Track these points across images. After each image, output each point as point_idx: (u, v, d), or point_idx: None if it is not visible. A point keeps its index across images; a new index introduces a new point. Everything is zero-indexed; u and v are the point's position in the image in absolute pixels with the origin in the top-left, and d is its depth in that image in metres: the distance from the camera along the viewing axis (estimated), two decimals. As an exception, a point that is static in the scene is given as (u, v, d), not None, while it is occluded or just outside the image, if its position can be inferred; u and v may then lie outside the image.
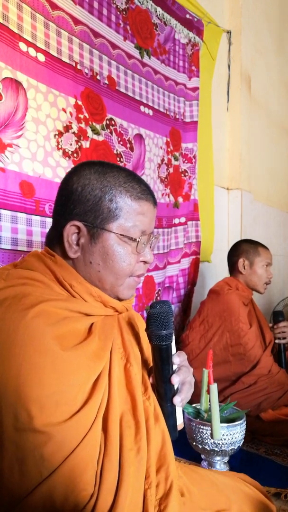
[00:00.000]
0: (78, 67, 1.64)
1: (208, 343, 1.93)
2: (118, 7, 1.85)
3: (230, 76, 2.85)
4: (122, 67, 1.87)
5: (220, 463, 1.41)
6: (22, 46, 1.41)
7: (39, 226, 1.47)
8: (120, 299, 0.88)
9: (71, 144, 1.60)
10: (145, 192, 0.86)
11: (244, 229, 2.86)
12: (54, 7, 1.54)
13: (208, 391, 1.30)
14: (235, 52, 2.83)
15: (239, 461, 1.57)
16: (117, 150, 1.83)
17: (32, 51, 1.44)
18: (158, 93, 2.10)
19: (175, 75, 2.22)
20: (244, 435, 1.39)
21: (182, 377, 0.85)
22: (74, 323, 0.77)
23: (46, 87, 1.50)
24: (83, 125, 1.65)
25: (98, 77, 1.74)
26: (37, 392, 0.67)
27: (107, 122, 1.78)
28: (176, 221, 2.29)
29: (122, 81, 1.87)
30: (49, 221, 1.50)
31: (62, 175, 1.55)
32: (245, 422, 1.40)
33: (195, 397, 1.26)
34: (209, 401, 1.32)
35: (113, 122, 1.81)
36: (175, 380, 0.83)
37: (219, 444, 1.34)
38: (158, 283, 2.13)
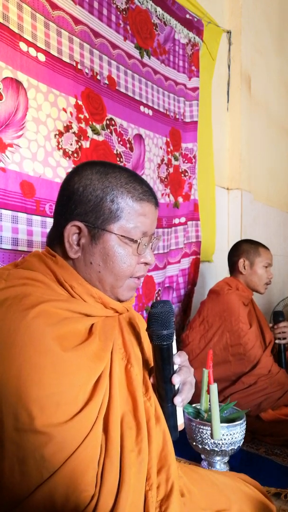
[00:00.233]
0: (79, 67, 1.64)
1: (208, 343, 1.93)
2: (118, 7, 1.85)
3: (230, 76, 2.85)
4: (122, 67, 1.87)
5: (220, 463, 1.41)
6: (23, 46, 1.41)
7: (40, 226, 1.47)
8: (120, 300, 0.88)
9: (71, 144, 1.60)
10: (147, 193, 0.86)
11: (244, 229, 2.86)
12: (54, 7, 1.54)
13: (208, 391, 1.30)
14: (235, 52, 2.83)
15: (239, 461, 1.57)
16: (117, 150, 1.83)
17: (32, 51, 1.44)
18: (158, 93, 2.10)
19: (175, 75, 2.22)
20: (244, 435, 1.39)
21: (183, 377, 0.84)
22: (74, 324, 0.77)
23: (47, 87, 1.50)
24: (83, 125, 1.65)
25: (98, 77, 1.74)
26: (37, 393, 0.67)
27: (107, 122, 1.78)
28: (176, 221, 2.29)
29: (122, 81, 1.87)
30: (49, 221, 1.50)
31: (63, 175, 1.55)
32: (245, 422, 1.40)
33: (195, 397, 1.26)
34: (209, 401, 1.32)
35: (113, 122, 1.81)
36: (176, 380, 0.83)
37: (219, 444, 1.34)
38: (158, 283, 2.13)
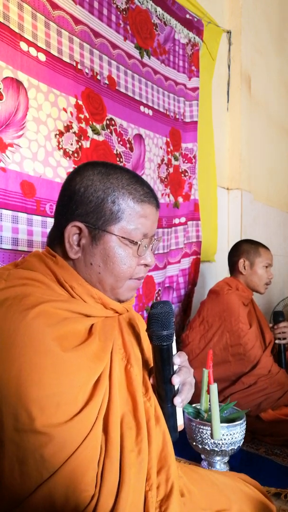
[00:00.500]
0: (79, 67, 1.64)
1: (208, 343, 1.93)
2: (118, 7, 1.85)
3: (230, 76, 2.85)
4: (122, 67, 1.87)
5: (220, 463, 1.41)
6: (23, 45, 1.41)
7: (40, 226, 1.47)
8: (120, 301, 0.88)
9: (71, 144, 1.60)
10: (148, 195, 0.86)
11: (244, 229, 2.86)
12: (55, 6, 1.54)
13: (208, 391, 1.30)
14: (235, 52, 2.83)
15: (239, 461, 1.57)
16: (117, 150, 1.83)
17: (33, 51, 1.44)
18: (158, 93, 2.10)
19: (175, 75, 2.22)
20: (244, 435, 1.39)
21: (182, 378, 0.84)
22: (74, 324, 0.77)
23: (47, 86, 1.50)
24: (83, 125, 1.65)
25: (98, 77, 1.74)
26: (37, 393, 0.67)
27: (107, 122, 1.78)
28: (176, 221, 2.29)
29: (122, 81, 1.87)
30: (49, 221, 1.50)
31: (63, 175, 1.55)
32: (245, 422, 1.40)
33: (195, 397, 1.26)
34: (209, 401, 1.33)
35: (113, 122, 1.81)
36: (176, 380, 0.83)
37: (219, 444, 1.34)
38: (158, 283, 2.13)
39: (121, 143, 1.85)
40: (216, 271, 2.72)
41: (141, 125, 1.98)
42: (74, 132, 1.61)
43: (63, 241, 0.83)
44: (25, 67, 1.41)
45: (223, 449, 1.35)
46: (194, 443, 1.40)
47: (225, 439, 1.33)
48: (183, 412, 1.04)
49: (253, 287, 2.10)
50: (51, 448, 0.67)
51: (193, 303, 2.46)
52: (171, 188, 2.21)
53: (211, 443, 1.35)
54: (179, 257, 2.31)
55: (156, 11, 2.07)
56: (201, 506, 0.90)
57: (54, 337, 0.71)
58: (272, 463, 1.59)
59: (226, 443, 1.34)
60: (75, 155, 1.62)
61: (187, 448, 1.45)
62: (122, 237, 0.83)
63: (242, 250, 2.12)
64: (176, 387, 0.85)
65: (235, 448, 1.37)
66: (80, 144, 1.64)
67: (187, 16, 2.28)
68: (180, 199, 2.30)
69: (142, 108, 1.99)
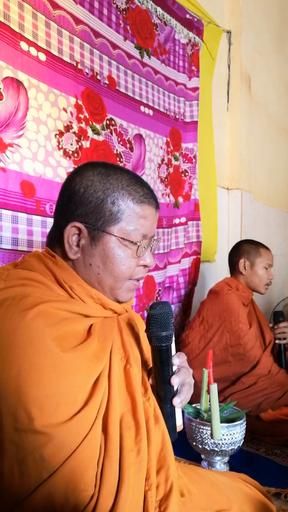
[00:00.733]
0: (79, 66, 1.64)
1: (208, 343, 1.93)
2: (119, 7, 1.85)
3: (230, 76, 2.85)
4: (122, 67, 1.87)
5: (220, 463, 1.41)
6: (23, 45, 1.41)
7: (40, 226, 1.47)
8: (119, 302, 0.88)
9: (71, 144, 1.60)
10: (148, 196, 0.86)
11: (244, 229, 2.86)
12: (55, 6, 1.53)
13: (208, 391, 1.30)
14: (235, 52, 2.83)
15: (239, 461, 1.57)
16: (117, 150, 1.83)
17: (33, 51, 1.44)
18: (158, 93, 2.10)
19: (175, 75, 2.22)
20: (244, 435, 1.39)
21: (181, 378, 0.84)
22: (73, 324, 0.77)
23: (47, 86, 1.50)
24: (83, 125, 1.65)
25: (98, 77, 1.74)
26: (37, 393, 0.67)
27: (107, 122, 1.78)
28: (177, 221, 2.29)
29: (122, 81, 1.87)
30: (49, 221, 1.50)
31: (63, 175, 1.55)
32: (245, 422, 1.40)
33: (195, 398, 1.26)
34: (209, 401, 1.33)
35: (113, 122, 1.81)
36: (175, 381, 0.83)
37: (219, 444, 1.34)
38: (159, 283, 2.13)
39: (121, 143, 1.85)
40: (216, 271, 2.72)
41: (141, 125, 1.98)
42: (74, 132, 1.61)
43: (63, 242, 0.83)
44: (25, 67, 1.41)
45: (223, 449, 1.35)
46: (194, 443, 1.40)
47: (225, 439, 1.33)
48: (183, 412, 1.04)
49: (253, 287, 2.10)
50: (51, 448, 0.67)
51: (193, 303, 2.46)
52: (171, 188, 2.21)
53: (211, 443, 1.35)
54: (179, 257, 2.31)
55: (156, 11, 2.07)
56: (201, 506, 0.90)
57: (54, 337, 0.71)
58: (272, 463, 1.59)
59: (226, 443, 1.34)
60: (75, 155, 1.62)
61: (187, 448, 1.45)
62: (121, 237, 0.83)
63: (243, 250, 2.12)
64: (175, 388, 0.85)
65: (235, 448, 1.37)
66: (80, 144, 1.64)
67: (187, 16, 2.28)
68: (180, 199, 2.30)
69: (142, 108, 1.99)
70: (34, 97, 1.44)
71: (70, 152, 1.60)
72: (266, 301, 3.13)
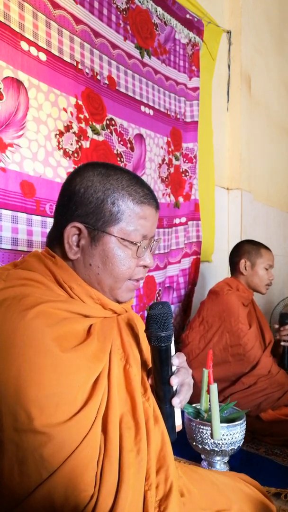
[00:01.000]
0: (79, 66, 1.64)
1: (207, 344, 1.93)
2: (119, 7, 1.85)
3: (230, 76, 2.85)
4: (122, 67, 1.87)
5: (220, 463, 1.41)
6: (24, 45, 1.41)
7: (40, 226, 1.47)
8: (119, 302, 0.88)
9: (71, 144, 1.60)
10: (148, 196, 0.86)
11: (244, 229, 2.86)
12: (56, 6, 1.53)
13: (208, 391, 1.30)
14: (235, 52, 2.83)
15: (239, 461, 1.57)
16: (117, 150, 1.83)
17: (33, 50, 1.44)
18: (158, 93, 2.10)
19: (175, 75, 2.22)
20: (244, 435, 1.39)
21: (181, 379, 0.84)
22: (73, 324, 0.77)
23: (47, 86, 1.50)
24: (83, 125, 1.65)
25: (98, 77, 1.74)
26: (36, 393, 0.67)
27: (107, 122, 1.78)
28: (177, 221, 2.29)
29: (122, 81, 1.87)
30: (49, 221, 1.50)
31: (63, 175, 1.55)
32: (245, 422, 1.40)
33: (195, 398, 1.26)
34: (209, 401, 1.33)
35: (113, 122, 1.81)
36: (174, 381, 0.83)
37: (219, 444, 1.34)
38: (159, 283, 2.13)
39: (121, 143, 1.85)
40: (215, 271, 2.72)
41: (141, 125, 1.98)
42: (74, 132, 1.61)
43: (63, 242, 0.83)
44: (25, 67, 1.41)
45: (223, 449, 1.35)
46: (194, 443, 1.40)
47: (225, 439, 1.33)
48: (182, 412, 1.04)
49: (254, 288, 2.10)
50: (51, 448, 0.67)
51: (193, 303, 2.46)
52: (172, 188, 2.21)
53: (211, 443, 1.35)
54: (179, 257, 2.31)
55: (156, 11, 2.07)
56: (201, 506, 0.90)
57: (53, 337, 0.71)
58: (272, 463, 1.59)
59: (226, 443, 1.34)
60: (75, 155, 1.62)
61: (187, 448, 1.45)
62: (121, 238, 0.83)
63: (244, 250, 2.11)
64: (174, 388, 0.85)
65: (235, 448, 1.37)
66: (80, 144, 1.64)
67: (187, 16, 2.28)
68: (181, 199, 2.30)
69: (142, 108, 1.99)
70: (34, 97, 1.44)
71: (70, 152, 1.60)
72: (266, 301, 3.13)
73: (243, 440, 1.39)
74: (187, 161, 2.33)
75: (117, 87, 1.84)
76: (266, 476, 1.46)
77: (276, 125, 3.50)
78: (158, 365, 0.83)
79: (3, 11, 1.34)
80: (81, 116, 1.64)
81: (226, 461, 1.43)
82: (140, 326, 0.98)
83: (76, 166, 1.59)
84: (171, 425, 0.86)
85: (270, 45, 3.36)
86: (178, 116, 2.25)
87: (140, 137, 1.97)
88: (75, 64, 1.62)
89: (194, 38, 2.34)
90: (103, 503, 0.69)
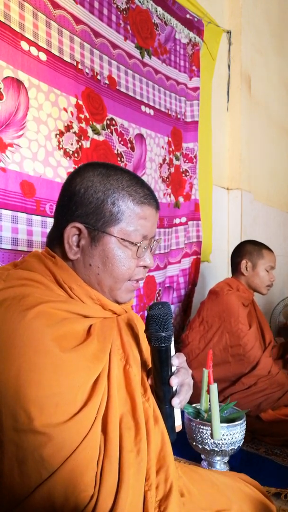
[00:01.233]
0: (79, 66, 1.64)
1: (207, 344, 1.93)
2: (119, 7, 1.85)
3: (230, 76, 2.85)
4: (123, 67, 1.87)
5: (220, 463, 1.41)
6: (24, 45, 1.41)
7: (40, 226, 1.47)
8: (118, 302, 0.88)
9: (71, 144, 1.60)
10: (148, 197, 0.86)
11: (244, 229, 2.86)
12: (56, 6, 1.54)
13: (208, 391, 1.30)
14: (235, 52, 2.83)
15: (239, 461, 1.57)
16: (117, 150, 1.83)
17: (33, 50, 1.44)
18: (159, 92, 2.10)
19: (176, 75, 2.22)
20: (244, 435, 1.39)
21: (181, 379, 0.84)
22: (73, 325, 0.77)
23: (48, 86, 1.50)
24: (83, 125, 1.65)
25: (98, 77, 1.74)
26: (36, 393, 0.67)
27: (108, 122, 1.78)
28: (177, 221, 2.29)
29: (122, 81, 1.87)
30: (49, 221, 1.50)
31: (63, 175, 1.55)
32: (245, 422, 1.40)
33: (195, 398, 1.26)
34: (209, 401, 1.33)
35: (113, 122, 1.81)
36: (174, 381, 0.83)
37: (219, 444, 1.34)
38: (159, 283, 2.13)
39: (122, 143, 1.85)
40: (215, 271, 2.72)
41: (142, 124, 1.98)
42: (75, 132, 1.61)
43: (63, 242, 0.83)
44: (25, 67, 1.41)
45: (223, 449, 1.35)
46: (194, 443, 1.40)
47: (225, 439, 1.34)
48: (182, 412, 1.04)
49: (254, 288, 2.10)
50: (50, 448, 0.67)
51: (193, 303, 2.45)
52: (172, 188, 2.21)
53: (211, 443, 1.35)
54: (179, 257, 2.31)
55: (156, 11, 2.07)
56: (201, 506, 0.90)
57: (53, 338, 0.71)
58: (272, 463, 1.59)
59: (226, 443, 1.34)
60: (76, 155, 1.62)
61: (187, 448, 1.45)
62: (121, 238, 0.82)
63: (245, 251, 2.10)
64: (174, 388, 0.85)
65: (235, 448, 1.37)
66: (80, 144, 1.64)
67: (188, 16, 2.28)
68: (181, 199, 2.30)
69: (143, 108, 1.99)
70: (34, 97, 1.44)
71: (71, 152, 1.60)
72: (266, 301, 3.13)
73: (243, 440, 1.39)
74: (187, 161, 2.33)
75: (117, 87, 1.84)
76: (266, 476, 1.46)
77: (276, 125, 3.50)
78: (158, 366, 0.83)
79: (3, 11, 1.34)
80: (82, 116, 1.64)
81: (226, 461, 1.43)
82: (140, 327, 0.98)
83: (76, 166, 1.59)
84: (171, 425, 0.86)
85: (270, 45, 3.36)
86: (178, 116, 2.25)
87: (140, 137, 1.97)
88: (75, 64, 1.62)
89: (194, 38, 2.34)
90: (103, 503, 0.69)
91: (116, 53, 1.83)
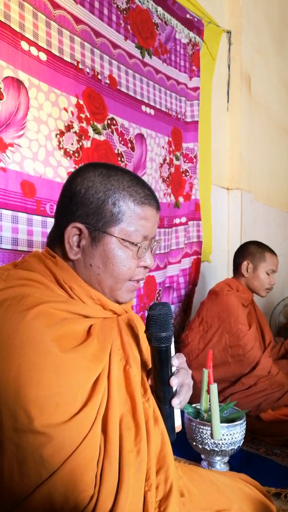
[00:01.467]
0: (80, 66, 1.64)
1: (207, 344, 1.93)
2: (119, 6, 1.85)
3: (230, 76, 2.85)
4: (123, 67, 1.87)
5: (220, 463, 1.42)
6: (24, 45, 1.41)
7: (40, 226, 1.47)
8: (119, 302, 0.88)
9: (72, 144, 1.60)
10: (149, 197, 0.86)
11: (244, 229, 2.86)
12: (56, 6, 1.53)
13: (208, 391, 1.30)
14: (235, 52, 2.83)
15: (239, 461, 1.57)
16: (118, 150, 1.83)
17: (33, 50, 1.44)
18: (159, 92, 2.10)
19: (176, 75, 2.22)
20: (244, 435, 1.39)
21: (180, 379, 0.84)
22: (73, 325, 0.77)
23: (48, 86, 1.50)
24: (84, 125, 1.65)
25: (99, 76, 1.74)
26: (36, 393, 0.67)
27: (108, 121, 1.78)
28: (177, 221, 2.29)
29: (123, 81, 1.87)
30: (50, 221, 1.50)
31: (63, 175, 1.55)
32: (245, 422, 1.40)
33: (195, 398, 1.26)
34: (209, 401, 1.33)
35: (114, 122, 1.81)
36: (174, 382, 0.83)
37: (219, 444, 1.34)
38: (159, 283, 2.13)
39: (122, 142, 1.85)
40: (215, 271, 2.72)
41: (142, 124, 1.98)
42: (75, 132, 1.61)
43: (63, 242, 0.83)
44: (26, 67, 1.41)
45: (223, 449, 1.35)
46: (194, 443, 1.40)
47: (225, 439, 1.34)
48: (182, 413, 1.04)
49: (253, 290, 2.09)
50: (50, 448, 0.67)
51: (193, 303, 2.45)
52: (172, 188, 2.21)
53: (211, 443, 1.35)
54: (179, 257, 2.31)
55: (156, 11, 2.07)
56: (201, 506, 0.90)
57: (53, 338, 0.71)
58: (272, 463, 1.59)
59: (226, 443, 1.34)
60: (76, 155, 1.62)
61: (187, 448, 1.45)
62: (122, 239, 0.82)
63: (248, 252, 2.09)
64: (174, 389, 0.85)
65: (235, 448, 1.37)
66: (81, 144, 1.64)
67: (188, 16, 2.28)
68: (181, 199, 2.30)
69: (143, 107, 1.99)
70: (34, 97, 1.44)
71: (71, 152, 1.60)
72: (266, 301, 3.13)
73: (243, 440, 1.39)
74: (187, 161, 2.33)
75: (118, 87, 1.84)
76: (266, 476, 1.46)
77: (276, 125, 3.50)
78: (158, 366, 0.83)
79: (3, 11, 1.34)
80: (82, 115, 1.64)
81: (226, 461, 1.43)
82: (140, 327, 0.98)
83: (77, 166, 1.59)
84: (171, 426, 0.86)
85: (270, 45, 3.36)
86: (179, 116, 2.25)
87: (141, 136, 1.97)
88: (75, 64, 1.62)
89: (195, 38, 2.34)
90: (103, 503, 0.69)
91: (116, 52, 1.83)
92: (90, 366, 0.75)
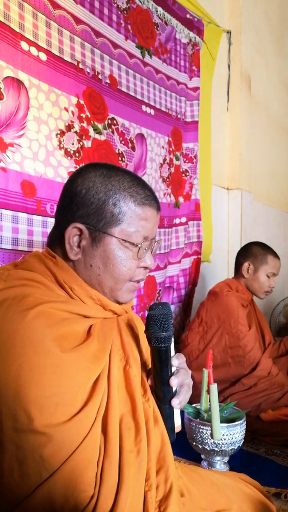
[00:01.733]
0: (80, 66, 1.64)
1: (207, 345, 1.92)
2: (119, 6, 1.85)
3: (230, 76, 2.85)
4: (124, 67, 1.87)
5: (220, 463, 1.42)
6: (24, 45, 1.41)
7: (40, 226, 1.47)
8: (119, 303, 0.88)
9: (73, 144, 1.60)
10: (149, 198, 0.86)
11: (244, 229, 2.86)
12: (56, 6, 1.53)
13: (208, 391, 1.30)
14: (235, 52, 2.83)
15: (239, 461, 1.57)
16: (118, 150, 1.83)
17: (33, 50, 1.44)
18: (160, 92, 2.10)
19: (176, 75, 2.22)
20: (244, 435, 1.39)
21: (180, 379, 0.84)
22: (73, 325, 0.77)
23: (48, 86, 1.50)
24: (84, 125, 1.65)
25: (99, 76, 1.74)
26: (36, 393, 0.67)
27: (109, 121, 1.78)
28: (177, 221, 2.29)
29: (123, 81, 1.87)
30: (50, 221, 1.50)
31: (64, 174, 1.55)
32: (245, 422, 1.40)
33: (195, 398, 1.26)
34: (209, 401, 1.33)
35: (114, 122, 1.81)
36: (174, 382, 0.83)
37: (219, 444, 1.34)
38: (159, 283, 2.13)
39: (123, 142, 1.85)
40: (215, 271, 2.72)
41: (143, 124, 1.98)
42: (76, 132, 1.61)
43: (64, 242, 0.83)
44: (26, 67, 1.41)
45: (223, 449, 1.35)
46: (194, 443, 1.40)
47: (225, 439, 1.34)
48: (182, 413, 1.04)
49: (252, 292, 2.09)
50: (50, 448, 0.67)
51: (193, 303, 2.45)
52: (172, 188, 2.21)
53: (211, 443, 1.35)
54: (179, 257, 2.31)
55: (157, 11, 2.07)
56: (201, 506, 0.90)
57: (53, 338, 0.71)
58: (272, 463, 1.59)
59: (226, 443, 1.34)
60: (77, 154, 1.62)
61: (187, 448, 1.45)
62: (122, 239, 0.83)
63: (250, 253, 2.08)
64: (174, 389, 0.85)
65: (235, 448, 1.37)
66: (81, 143, 1.64)
67: (188, 16, 2.28)
68: (181, 199, 2.30)
69: (144, 107, 1.99)
70: (35, 97, 1.44)
71: (72, 152, 1.60)
72: (266, 301, 3.12)
73: (243, 440, 1.39)
74: (187, 161, 2.33)
75: (118, 87, 1.84)
76: (266, 476, 1.46)
77: (276, 125, 3.50)
78: (158, 366, 0.83)
79: (3, 11, 1.34)
80: (83, 115, 1.64)
81: (226, 461, 1.43)
82: (140, 327, 0.98)
83: (77, 166, 1.59)
84: (171, 426, 0.86)
85: (270, 45, 3.36)
86: (179, 116, 2.25)
87: (141, 136, 1.97)
88: (75, 64, 1.62)
89: (195, 38, 2.34)
90: (103, 503, 0.69)
91: (117, 52, 1.83)
92: (90, 366, 0.75)
